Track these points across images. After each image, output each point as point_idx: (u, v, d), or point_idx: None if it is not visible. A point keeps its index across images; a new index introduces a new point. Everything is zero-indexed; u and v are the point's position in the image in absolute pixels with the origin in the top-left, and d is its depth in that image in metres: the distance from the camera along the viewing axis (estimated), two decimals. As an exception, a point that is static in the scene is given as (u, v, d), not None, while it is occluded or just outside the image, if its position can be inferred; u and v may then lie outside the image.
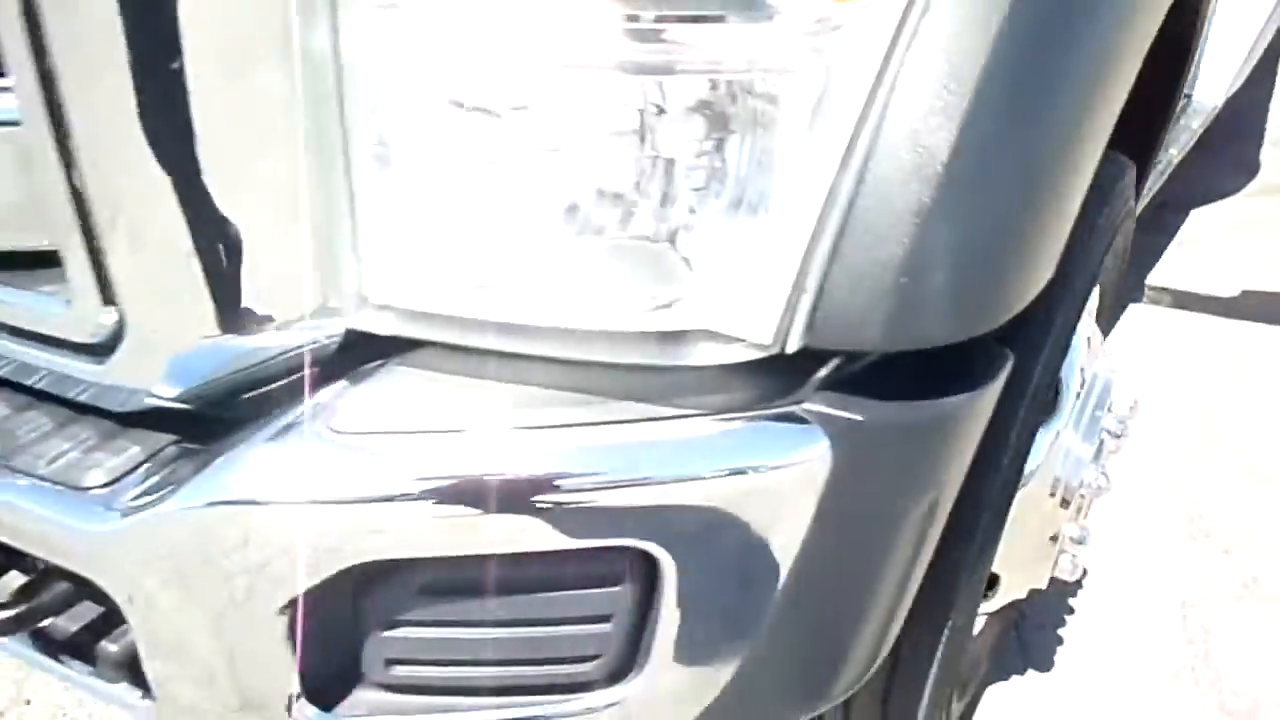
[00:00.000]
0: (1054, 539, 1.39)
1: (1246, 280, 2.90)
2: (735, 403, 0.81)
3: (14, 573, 1.03)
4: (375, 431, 0.78)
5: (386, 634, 0.86)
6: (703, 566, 0.83)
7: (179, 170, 0.72)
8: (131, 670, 0.98)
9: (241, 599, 0.81)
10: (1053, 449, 1.31)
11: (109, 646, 0.99)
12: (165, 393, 0.83)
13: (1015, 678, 1.76)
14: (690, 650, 0.88)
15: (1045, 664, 1.79)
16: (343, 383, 0.79)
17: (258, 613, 0.82)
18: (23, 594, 0.98)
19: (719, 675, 0.90)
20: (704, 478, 0.80)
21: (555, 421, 0.79)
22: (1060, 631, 1.84)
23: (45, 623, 0.99)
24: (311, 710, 0.87)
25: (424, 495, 0.77)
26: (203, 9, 0.68)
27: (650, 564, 0.84)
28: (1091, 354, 1.42)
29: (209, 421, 0.86)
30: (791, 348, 0.77)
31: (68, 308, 0.80)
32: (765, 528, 0.83)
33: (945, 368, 0.85)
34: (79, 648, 1.00)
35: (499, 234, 0.75)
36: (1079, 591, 1.89)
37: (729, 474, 0.80)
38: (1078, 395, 1.36)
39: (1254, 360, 2.61)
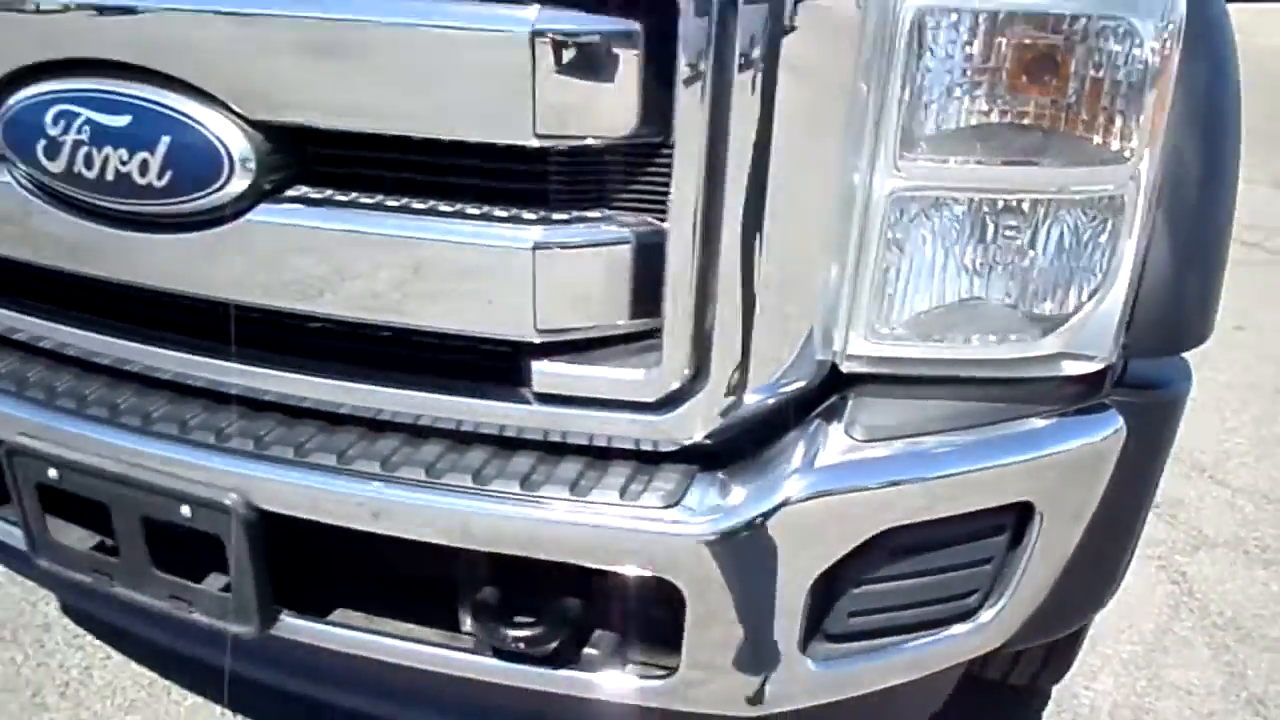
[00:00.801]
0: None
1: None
2: (1068, 399, 1.23)
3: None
4: (879, 439, 1.14)
5: (857, 590, 1.20)
6: (1056, 513, 1.24)
7: (771, 266, 1.07)
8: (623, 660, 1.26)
9: (780, 574, 1.13)
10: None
11: (592, 651, 1.26)
12: (702, 434, 1.14)
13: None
14: (1037, 575, 1.27)
15: (1083, 615, 2.28)
16: (856, 405, 1.15)
17: (790, 583, 1.14)
18: (511, 622, 1.24)
19: (1047, 589, 1.30)
20: (1064, 451, 1.21)
21: (979, 421, 1.18)
22: (1083, 591, 2.35)
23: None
24: (808, 659, 1.20)
25: (912, 479, 1.14)
26: (802, 164, 1.05)
27: (1020, 516, 1.24)
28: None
29: (710, 452, 1.18)
30: (1115, 359, 1.21)
31: (648, 375, 1.11)
32: (1090, 483, 1.25)
33: (1169, 367, 1.32)
34: (554, 659, 1.26)
35: (953, 302, 1.15)
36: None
37: (1076, 448, 1.22)
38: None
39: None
